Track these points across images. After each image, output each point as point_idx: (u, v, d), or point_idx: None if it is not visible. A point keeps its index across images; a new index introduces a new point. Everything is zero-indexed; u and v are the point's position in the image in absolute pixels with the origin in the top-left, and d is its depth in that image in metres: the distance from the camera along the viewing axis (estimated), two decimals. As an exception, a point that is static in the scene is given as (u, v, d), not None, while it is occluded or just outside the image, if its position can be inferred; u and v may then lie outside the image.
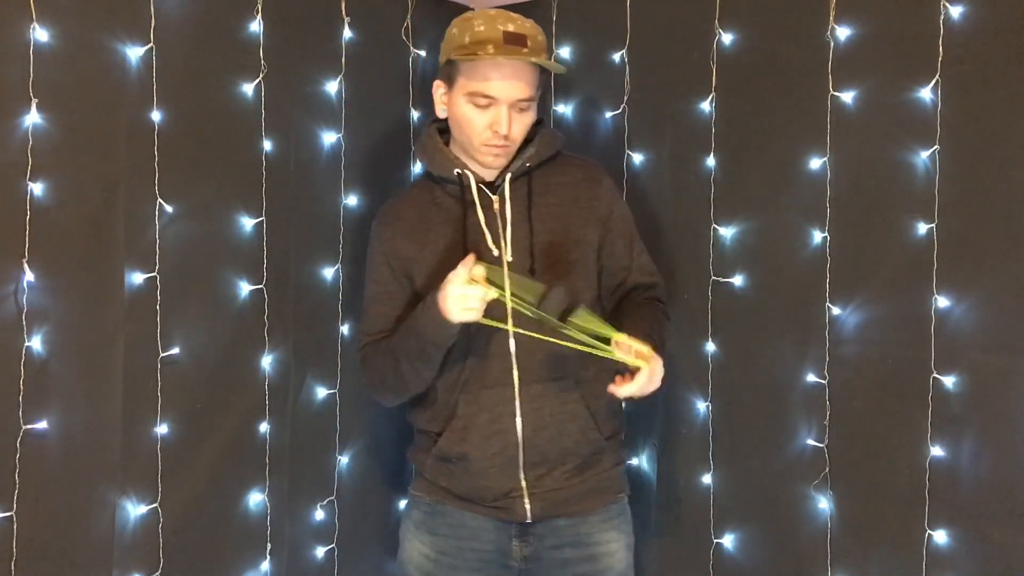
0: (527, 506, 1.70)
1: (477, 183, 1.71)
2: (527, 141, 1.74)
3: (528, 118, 1.68)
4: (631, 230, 1.81)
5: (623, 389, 1.54)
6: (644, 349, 1.53)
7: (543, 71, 1.69)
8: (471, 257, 1.55)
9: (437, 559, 1.74)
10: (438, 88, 1.71)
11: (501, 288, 1.54)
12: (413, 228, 1.75)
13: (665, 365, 1.58)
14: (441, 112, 1.72)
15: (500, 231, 1.70)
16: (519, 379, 1.68)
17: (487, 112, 1.64)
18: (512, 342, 1.67)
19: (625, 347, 1.54)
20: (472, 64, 1.62)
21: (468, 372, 1.70)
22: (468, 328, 1.63)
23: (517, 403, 1.68)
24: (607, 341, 1.55)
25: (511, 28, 1.61)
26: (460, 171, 1.71)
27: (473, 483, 1.71)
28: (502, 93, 1.62)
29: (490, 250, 1.69)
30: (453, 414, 1.71)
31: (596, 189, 1.77)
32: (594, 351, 1.54)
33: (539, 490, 1.70)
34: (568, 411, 1.70)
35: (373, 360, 1.75)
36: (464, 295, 1.53)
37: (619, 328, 1.57)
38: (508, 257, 1.68)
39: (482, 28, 1.61)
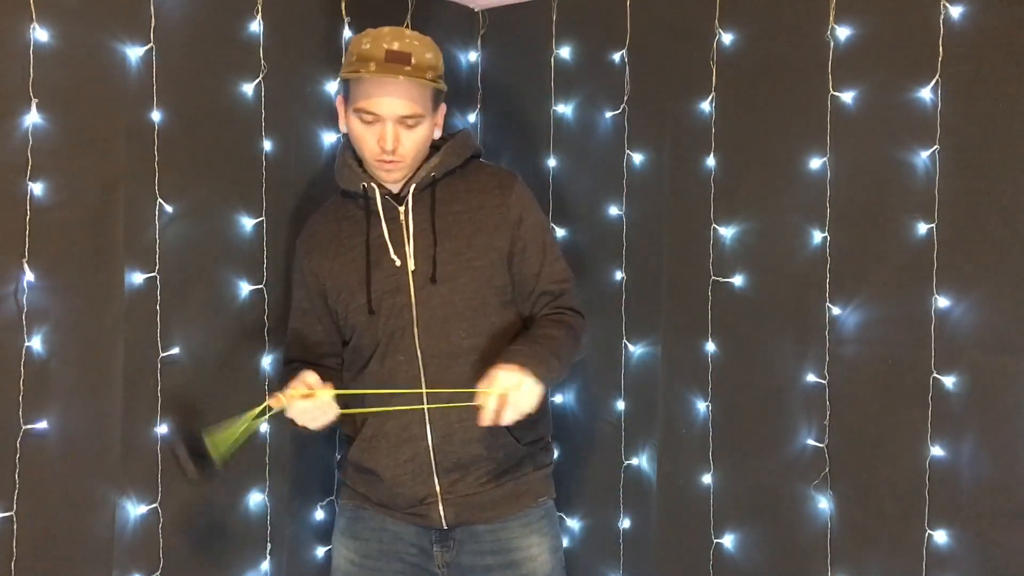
0: (441, 512, 1.71)
1: (383, 195, 1.73)
2: (436, 150, 1.76)
3: (418, 134, 1.68)
4: (543, 238, 1.80)
5: (483, 420, 1.55)
6: (492, 386, 1.55)
7: (439, 90, 1.69)
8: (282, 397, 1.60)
9: (361, 563, 1.75)
10: (339, 105, 1.74)
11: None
12: (324, 244, 1.78)
13: (549, 375, 1.63)
14: (343, 127, 1.74)
15: (404, 241, 1.71)
16: (426, 385, 1.68)
17: (373, 127, 1.66)
18: (418, 349, 1.68)
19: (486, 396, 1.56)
20: (356, 82, 1.65)
21: (375, 381, 1.71)
22: (375, 335, 1.70)
23: (425, 410, 1.68)
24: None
25: (396, 46, 1.63)
26: (365, 184, 1.73)
27: (387, 490, 1.73)
28: (384, 110, 1.63)
29: (392, 261, 1.70)
30: (363, 422, 1.73)
31: (506, 196, 1.76)
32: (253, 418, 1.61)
33: (452, 495, 1.71)
34: (475, 418, 1.66)
35: (283, 375, 1.81)
36: (305, 411, 1.60)
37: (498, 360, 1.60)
38: (411, 267, 1.70)
39: (367, 46, 1.64)
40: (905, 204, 1.76)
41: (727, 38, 1.97)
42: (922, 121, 1.73)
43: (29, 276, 1.56)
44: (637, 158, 2.12)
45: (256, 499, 1.92)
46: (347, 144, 1.78)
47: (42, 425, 1.58)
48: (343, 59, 1.72)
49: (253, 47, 1.87)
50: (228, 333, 1.86)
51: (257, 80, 1.88)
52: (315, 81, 2.00)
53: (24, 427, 1.56)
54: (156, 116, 1.72)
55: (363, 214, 1.75)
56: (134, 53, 1.69)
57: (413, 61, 1.63)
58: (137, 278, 1.71)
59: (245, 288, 1.88)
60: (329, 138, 2.02)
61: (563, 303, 1.80)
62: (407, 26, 2.16)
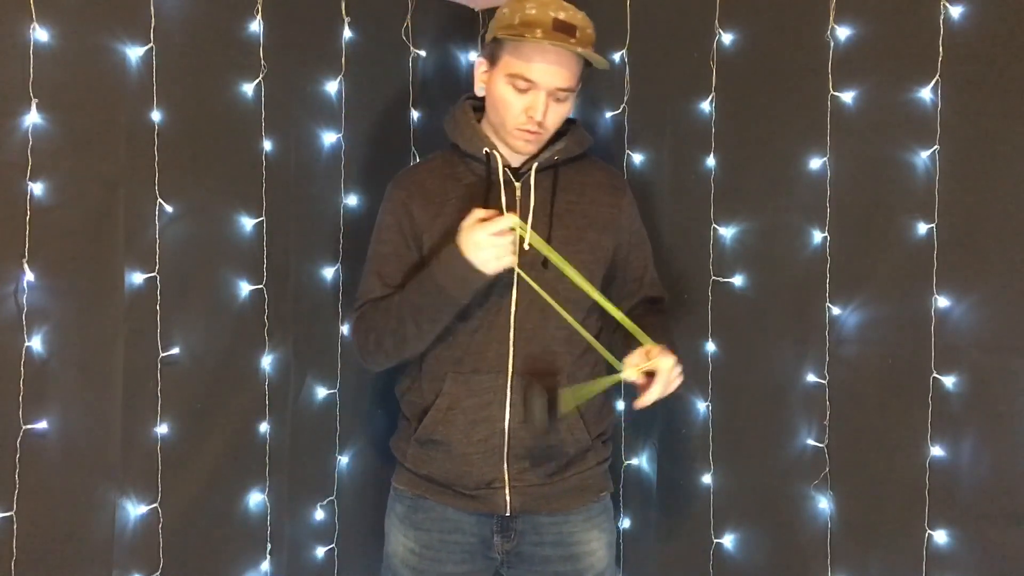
0: (507, 498, 1.69)
1: (504, 167, 1.71)
2: (559, 135, 1.73)
3: (564, 109, 1.67)
4: (647, 246, 1.86)
5: (647, 398, 1.58)
6: (649, 361, 1.56)
7: (587, 66, 1.67)
8: (494, 213, 1.55)
9: (422, 553, 1.74)
10: (480, 66, 1.70)
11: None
12: (430, 196, 1.72)
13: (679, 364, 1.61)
14: (480, 90, 1.71)
15: (521, 218, 1.67)
16: (513, 369, 1.67)
17: (525, 96, 1.63)
18: (512, 330, 1.66)
19: (632, 370, 1.57)
20: (517, 45, 1.61)
21: (462, 352, 1.69)
22: (470, 305, 1.64)
23: (508, 393, 1.67)
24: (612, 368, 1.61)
25: (562, 16, 1.60)
26: (489, 150, 1.70)
27: (454, 468, 1.70)
28: (543, 79, 1.60)
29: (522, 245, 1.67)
30: (439, 393, 1.70)
31: (619, 199, 1.78)
32: (610, 382, 1.60)
33: (520, 484, 1.70)
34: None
35: (371, 319, 1.71)
36: (497, 243, 1.53)
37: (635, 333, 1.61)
38: (525, 246, 1.65)
39: (533, 11, 1.60)
40: (905, 204, 1.76)
41: (727, 38, 1.97)
42: (922, 121, 1.73)
43: (29, 276, 1.56)
44: (637, 158, 2.12)
45: (256, 499, 1.92)
46: (469, 105, 1.75)
47: (42, 425, 1.58)
48: (494, 22, 1.65)
49: (253, 47, 1.87)
50: (228, 333, 1.86)
51: (257, 80, 1.88)
52: (315, 81, 2.00)
53: (24, 427, 1.56)
54: (156, 116, 1.72)
55: (480, 179, 1.71)
56: (134, 53, 1.69)
57: (578, 34, 1.61)
58: (137, 278, 1.71)
59: (245, 288, 1.88)
60: (329, 138, 2.02)
61: (664, 307, 1.87)
62: (407, 26, 2.16)
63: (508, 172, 1.71)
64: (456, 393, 1.68)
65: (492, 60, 1.66)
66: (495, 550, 1.73)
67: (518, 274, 1.65)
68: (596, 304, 1.69)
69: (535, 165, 1.70)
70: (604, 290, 1.74)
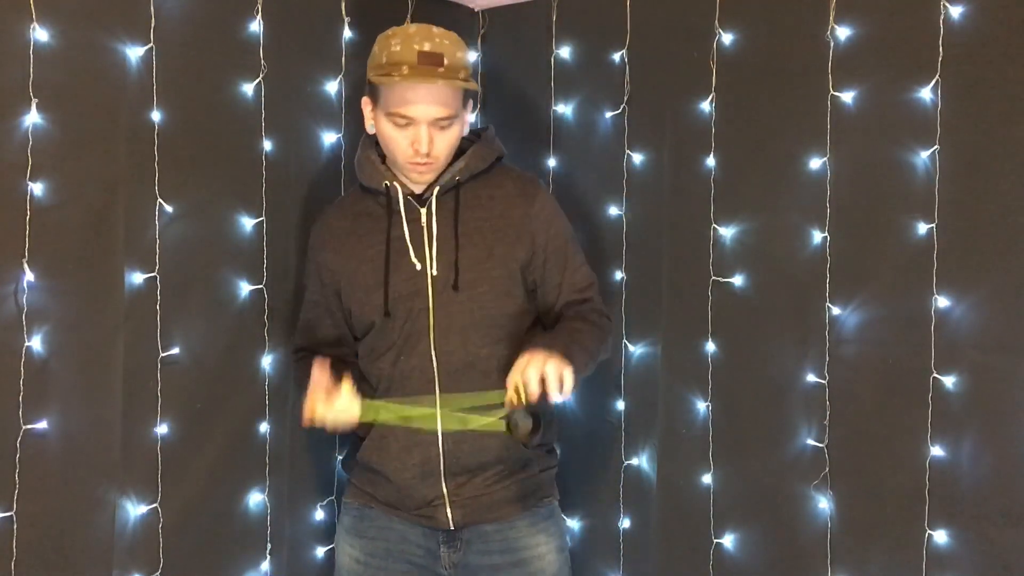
0: (449, 513, 1.71)
1: (406, 195, 1.72)
2: (461, 152, 1.74)
3: (451, 134, 1.67)
4: (565, 249, 1.79)
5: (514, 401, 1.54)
6: (514, 383, 1.53)
7: (472, 90, 1.69)
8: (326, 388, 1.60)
9: (367, 562, 1.75)
10: (366, 105, 1.72)
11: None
12: (341, 238, 1.77)
13: (578, 364, 1.60)
14: (370, 128, 1.73)
15: (425, 244, 1.70)
16: (440, 390, 1.68)
17: (407, 131, 1.64)
18: (434, 355, 1.68)
19: (509, 400, 1.55)
20: (389, 86, 1.62)
21: (387, 383, 1.72)
22: (389, 336, 1.70)
23: (438, 414, 1.68)
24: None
25: (427, 47, 1.61)
26: (388, 183, 1.71)
27: (394, 491, 1.73)
28: (419, 114, 1.61)
29: (412, 264, 1.69)
30: (371, 424, 1.72)
31: (529, 207, 1.75)
32: (495, 422, 1.58)
33: (459, 497, 1.71)
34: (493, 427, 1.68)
35: (293, 364, 1.88)
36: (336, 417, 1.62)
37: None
38: (433, 271, 1.69)
39: (398, 48, 1.62)
40: (905, 204, 1.76)
41: (727, 38, 1.97)
42: (922, 121, 1.73)
43: (29, 276, 1.56)
44: (637, 158, 2.12)
45: (256, 499, 1.92)
46: (369, 141, 1.77)
47: (42, 425, 1.58)
48: (369, 60, 1.69)
49: (253, 47, 1.87)
50: (228, 333, 1.86)
51: (257, 80, 1.88)
52: (315, 81, 2.00)
53: (24, 427, 1.56)
54: (156, 116, 1.72)
55: (384, 212, 1.73)
56: (134, 53, 1.69)
57: (446, 62, 1.61)
58: (137, 278, 1.71)
59: (245, 288, 1.88)
60: (329, 138, 2.02)
61: (584, 310, 1.79)
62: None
63: (412, 200, 1.72)
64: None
65: (374, 100, 1.68)
66: (442, 563, 1.74)
67: (431, 298, 1.68)
68: (520, 311, 1.73)
69: (436, 189, 1.71)
70: (527, 300, 1.76)
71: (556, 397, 1.52)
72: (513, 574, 1.74)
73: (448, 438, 1.69)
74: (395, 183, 1.72)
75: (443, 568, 1.74)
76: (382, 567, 1.74)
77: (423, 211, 1.71)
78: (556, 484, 1.86)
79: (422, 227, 1.71)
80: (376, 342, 1.74)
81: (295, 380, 1.88)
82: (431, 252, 1.70)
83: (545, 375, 1.51)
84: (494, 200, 1.74)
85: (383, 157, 1.75)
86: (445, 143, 1.67)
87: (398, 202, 1.72)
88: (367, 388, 1.75)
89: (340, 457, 1.94)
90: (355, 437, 1.81)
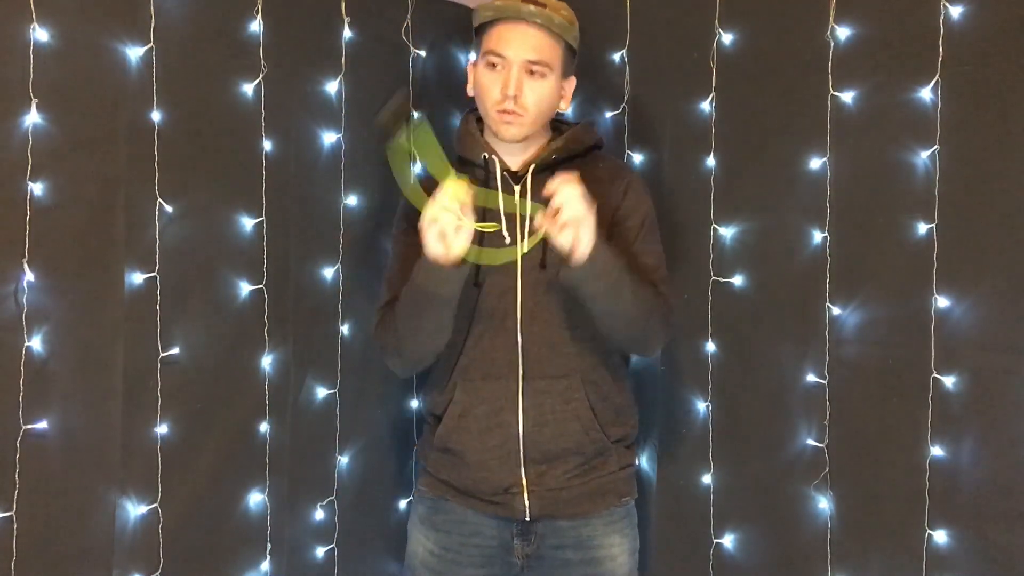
0: (526, 503, 1.70)
1: (503, 171, 1.72)
2: (557, 134, 1.76)
3: (542, 87, 1.68)
4: (641, 228, 1.76)
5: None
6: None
7: (573, 55, 1.72)
8: (449, 182, 1.47)
9: (441, 555, 1.74)
10: (470, 69, 1.75)
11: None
12: None
13: (605, 273, 1.55)
14: (470, 91, 1.75)
15: (517, 221, 1.69)
16: (523, 373, 1.67)
17: (499, 75, 1.66)
18: (519, 333, 1.67)
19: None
20: (490, 27, 1.67)
21: (468, 359, 1.70)
22: (475, 308, 1.65)
23: (520, 398, 1.67)
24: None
25: None
26: (487, 155, 1.71)
27: (472, 475, 1.71)
28: (511, 51, 1.64)
29: (504, 238, 1.69)
30: (451, 402, 1.71)
31: (620, 196, 1.75)
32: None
33: (539, 488, 1.70)
34: (571, 410, 1.69)
35: (383, 322, 1.72)
36: (432, 232, 1.47)
37: None
38: (524, 249, 1.66)
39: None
40: (905, 204, 1.76)
41: (727, 38, 1.97)
42: (922, 121, 1.73)
43: (29, 276, 1.56)
44: (637, 158, 2.12)
45: (256, 499, 1.92)
46: (470, 116, 1.78)
47: (42, 425, 1.58)
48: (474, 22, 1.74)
49: (253, 47, 1.87)
50: (228, 333, 1.86)
51: (257, 80, 1.88)
52: (315, 81, 2.00)
53: (24, 427, 1.56)
54: (156, 116, 1.72)
55: (483, 182, 1.72)
56: (134, 53, 1.69)
57: (547, 8, 1.66)
58: (137, 278, 1.71)
59: (245, 288, 1.88)
60: (329, 138, 2.02)
61: (654, 279, 1.73)
62: (407, 26, 2.16)
63: (508, 176, 1.71)
64: (467, 401, 1.69)
65: (476, 55, 1.72)
66: (515, 554, 1.73)
67: (520, 276, 1.66)
68: None
69: (532, 167, 1.71)
70: None
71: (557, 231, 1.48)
72: (585, 572, 1.73)
73: (529, 421, 1.67)
74: (493, 156, 1.72)
75: (515, 558, 1.73)
76: (456, 560, 1.73)
77: (517, 188, 1.71)
78: (635, 482, 1.85)
79: (516, 203, 1.70)
80: (461, 313, 1.68)
81: (392, 320, 1.68)
82: (523, 230, 1.68)
83: (568, 221, 1.47)
84: (587, 184, 1.69)
85: (482, 131, 1.76)
86: (535, 95, 1.67)
87: (495, 175, 1.71)
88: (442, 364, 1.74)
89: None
90: (430, 420, 1.79)
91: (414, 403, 2.16)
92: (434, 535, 1.76)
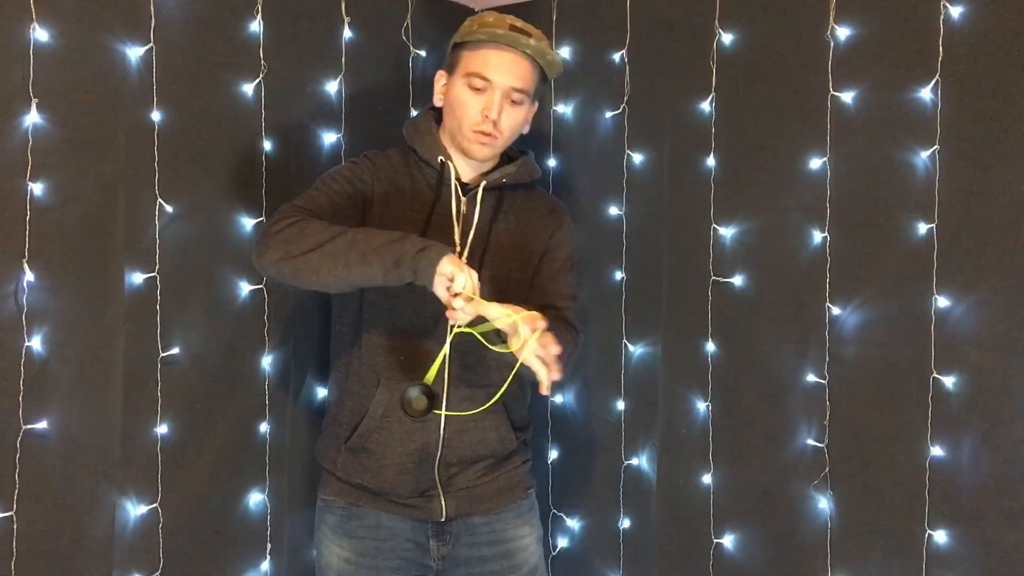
0: (442, 504, 1.72)
1: (456, 179, 1.74)
2: (510, 160, 1.79)
3: (518, 115, 1.71)
4: (564, 267, 1.81)
5: (547, 385, 1.50)
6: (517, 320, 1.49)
7: (544, 82, 1.75)
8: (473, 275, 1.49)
9: (357, 561, 1.73)
10: (439, 79, 1.76)
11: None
12: (392, 182, 1.73)
13: (563, 367, 1.54)
14: (438, 101, 1.76)
15: (458, 232, 1.71)
16: (449, 380, 1.69)
17: (481, 97, 1.68)
18: (448, 345, 1.65)
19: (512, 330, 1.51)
20: (475, 46, 1.68)
21: (397, 362, 1.70)
22: (411, 306, 1.66)
23: (444, 403, 1.68)
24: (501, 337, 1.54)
25: (519, 24, 1.70)
26: (444, 159, 1.73)
27: (388, 478, 1.70)
28: (498, 76, 1.66)
29: (453, 244, 1.70)
30: (372, 400, 1.70)
31: (556, 226, 1.82)
32: (496, 348, 1.54)
33: (453, 488, 1.72)
34: (490, 421, 1.73)
35: (299, 223, 1.54)
36: (460, 281, 1.47)
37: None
38: (464, 257, 1.70)
39: (491, 20, 1.70)
40: (905, 204, 1.76)
41: (727, 38, 1.97)
42: (922, 121, 1.73)
43: (29, 276, 1.56)
44: (637, 158, 2.12)
45: (256, 499, 1.92)
46: (430, 115, 1.79)
47: (42, 425, 1.58)
48: (455, 36, 1.74)
49: (253, 47, 1.87)
50: (228, 333, 1.86)
51: (257, 80, 1.88)
52: (315, 81, 2.00)
53: (24, 427, 1.56)
54: (156, 116, 1.72)
55: (427, 185, 1.74)
56: (134, 53, 1.69)
57: (533, 40, 1.68)
58: (137, 278, 1.71)
59: (245, 288, 1.88)
60: (329, 138, 2.02)
61: (563, 316, 1.78)
62: (407, 26, 2.16)
63: (458, 185, 1.73)
64: (390, 402, 1.69)
65: (451, 69, 1.73)
66: (431, 555, 1.75)
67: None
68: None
69: (483, 183, 1.73)
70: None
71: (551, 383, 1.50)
72: (500, 565, 1.76)
73: (451, 427, 1.69)
74: (449, 162, 1.73)
75: (432, 560, 1.75)
76: (372, 565, 1.73)
77: (464, 200, 1.73)
78: (533, 476, 1.88)
79: (460, 214, 1.72)
80: (397, 304, 1.68)
81: (331, 252, 1.51)
82: (466, 239, 1.71)
83: (548, 350, 1.49)
84: (526, 212, 1.80)
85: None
86: (511, 120, 1.70)
87: (448, 181, 1.72)
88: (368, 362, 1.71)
89: (314, 451, 1.85)
90: (339, 420, 1.77)
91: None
92: (348, 542, 1.74)
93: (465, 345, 1.67)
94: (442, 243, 1.51)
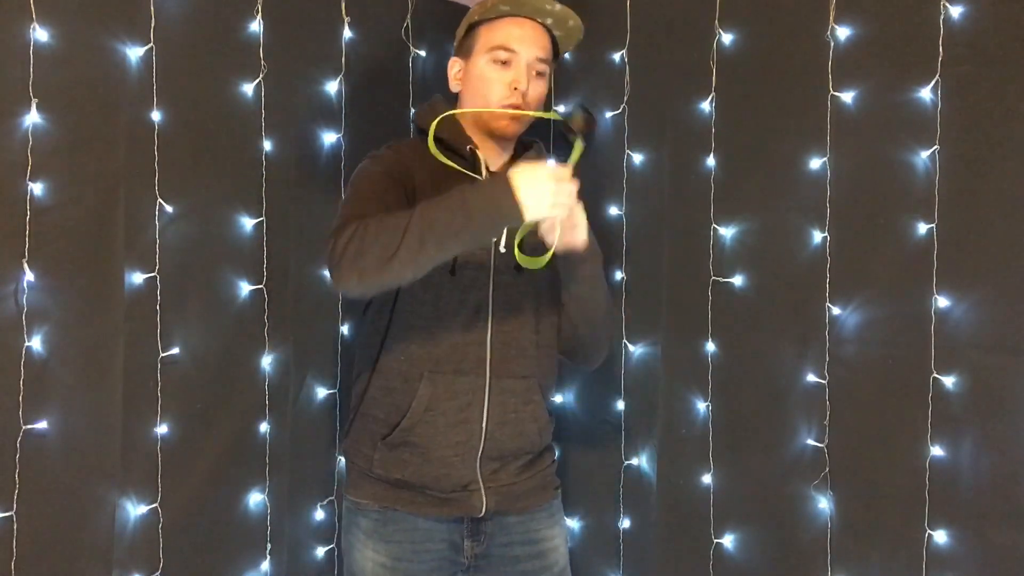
0: (483, 499, 1.69)
1: (486, 167, 1.72)
2: (526, 148, 1.79)
3: (541, 88, 1.72)
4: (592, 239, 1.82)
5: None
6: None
7: (555, 60, 1.76)
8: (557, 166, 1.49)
9: (393, 566, 1.70)
10: (453, 65, 1.76)
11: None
12: (424, 172, 1.67)
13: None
14: (455, 88, 1.76)
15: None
16: (491, 371, 1.68)
17: (507, 71, 1.68)
18: (489, 333, 1.66)
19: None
20: (493, 22, 1.69)
21: (440, 353, 1.67)
22: (447, 299, 1.64)
23: (486, 394, 1.68)
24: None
25: None
26: (472, 148, 1.71)
27: (431, 471, 1.67)
28: (523, 46, 1.67)
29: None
30: (415, 395, 1.66)
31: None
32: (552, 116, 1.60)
33: (494, 484, 1.71)
34: (529, 411, 1.72)
35: (364, 229, 1.47)
36: (561, 190, 1.46)
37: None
38: (502, 248, 1.67)
39: None
40: (905, 204, 1.76)
41: (727, 38, 1.97)
42: (922, 121, 1.73)
43: (29, 276, 1.56)
44: (637, 158, 2.12)
45: (256, 499, 1.92)
46: (443, 103, 1.75)
47: (42, 425, 1.58)
48: (468, 16, 1.73)
49: (253, 47, 1.87)
50: (228, 333, 1.86)
51: (257, 80, 1.88)
52: (315, 81, 2.00)
53: (24, 427, 1.56)
54: (156, 116, 1.72)
55: (455, 173, 1.67)
56: (134, 53, 1.69)
57: (557, 7, 1.68)
58: (137, 278, 1.71)
59: (245, 288, 1.88)
60: (329, 138, 2.02)
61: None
62: (407, 26, 2.16)
63: (488, 173, 1.72)
64: (434, 395, 1.67)
65: (468, 52, 1.72)
66: (464, 554, 1.73)
67: (492, 274, 1.67)
68: (556, 303, 1.75)
69: (513, 168, 1.70)
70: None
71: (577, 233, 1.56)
72: (533, 565, 1.75)
73: (493, 419, 1.68)
74: (478, 151, 1.72)
75: (464, 558, 1.73)
76: (409, 570, 1.70)
77: None
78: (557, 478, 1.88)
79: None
80: (440, 302, 1.66)
81: (399, 226, 1.44)
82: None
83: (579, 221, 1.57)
84: None
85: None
86: (536, 92, 1.70)
87: (480, 170, 1.71)
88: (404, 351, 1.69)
89: (341, 448, 1.83)
90: (373, 416, 1.72)
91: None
92: (384, 547, 1.71)
93: (506, 335, 1.68)
94: (490, 181, 1.49)
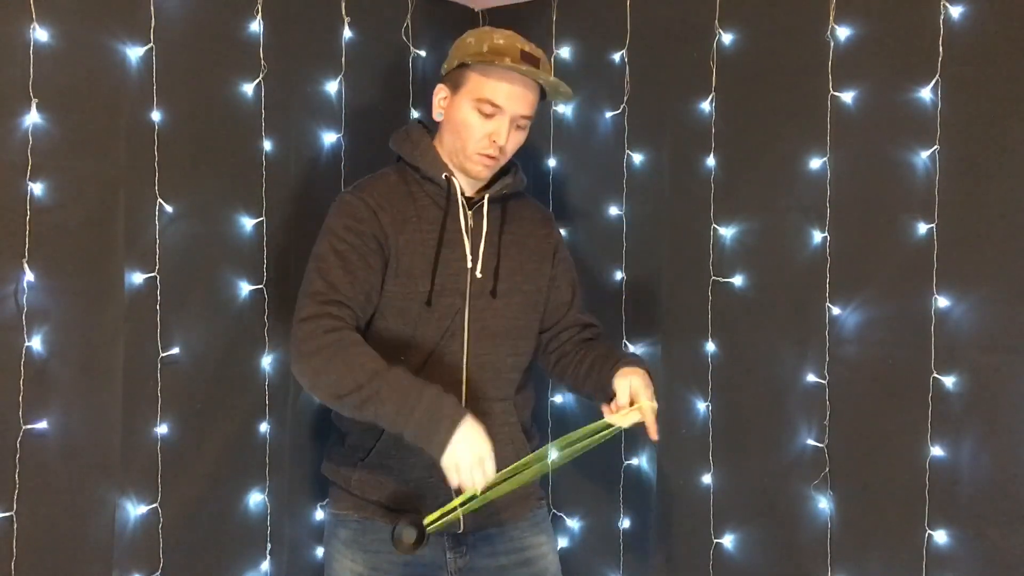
0: (460, 518, 1.67)
1: (461, 193, 1.72)
2: (504, 172, 1.78)
3: (522, 138, 1.71)
4: (573, 273, 1.87)
5: (653, 432, 1.63)
6: (635, 401, 1.63)
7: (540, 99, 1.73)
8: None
9: (371, 575, 1.71)
10: (439, 92, 1.71)
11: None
12: (397, 208, 1.69)
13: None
14: (438, 116, 1.72)
15: (469, 246, 1.70)
16: (467, 393, 1.69)
17: (489, 121, 1.65)
18: (465, 357, 1.68)
19: (618, 413, 1.63)
20: (486, 71, 1.63)
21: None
22: (431, 328, 1.67)
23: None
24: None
25: (527, 49, 1.66)
26: (448, 176, 1.71)
27: (408, 493, 1.69)
28: (509, 104, 1.64)
29: (462, 259, 1.69)
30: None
31: (549, 230, 1.85)
32: (601, 437, 1.63)
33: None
34: (506, 433, 1.72)
35: (334, 353, 1.54)
36: (477, 469, 1.50)
37: (601, 371, 1.69)
38: (478, 273, 1.69)
39: (501, 42, 1.65)
40: (905, 204, 1.76)
41: (727, 38, 1.97)
42: (922, 121, 1.73)
43: (29, 276, 1.56)
44: (637, 158, 2.12)
45: (256, 499, 1.92)
46: (423, 129, 1.76)
47: (42, 425, 1.58)
48: (455, 49, 1.68)
49: (253, 47, 1.87)
50: (228, 333, 1.86)
51: (257, 80, 1.88)
52: (315, 81, 2.00)
53: (24, 427, 1.56)
54: (156, 116, 1.72)
55: (432, 202, 1.71)
56: (134, 53, 1.69)
57: (541, 65, 1.67)
58: (137, 278, 1.71)
59: (245, 288, 1.88)
60: (329, 138, 2.02)
61: (599, 332, 1.87)
62: (407, 27, 2.16)
63: (463, 199, 1.73)
64: None
65: (455, 87, 1.68)
66: (447, 569, 1.73)
67: (468, 300, 1.69)
68: (537, 327, 1.79)
69: (487, 196, 1.73)
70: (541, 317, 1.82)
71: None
72: (521, 572, 1.75)
73: None
74: (453, 178, 1.72)
75: (448, 572, 1.73)
76: None
77: (470, 213, 1.72)
78: (541, 486, 1.88)
79: (469, 229, 1.71)
80: (418, 333, 1.67)
81: (359, 375, 1.52)
82: (477, 253, 1.70)
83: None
84: (525, 220, 1.81)
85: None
86: (514, 144, 1.70)
87: (455, 197, 1.71)
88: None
89: (322, 468, 1.83)
90: (351, 436, 1.74)
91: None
92: (363, 556, 1.71)
93: (482, 358, 1.70)
94: (453, 400, 1.53)
